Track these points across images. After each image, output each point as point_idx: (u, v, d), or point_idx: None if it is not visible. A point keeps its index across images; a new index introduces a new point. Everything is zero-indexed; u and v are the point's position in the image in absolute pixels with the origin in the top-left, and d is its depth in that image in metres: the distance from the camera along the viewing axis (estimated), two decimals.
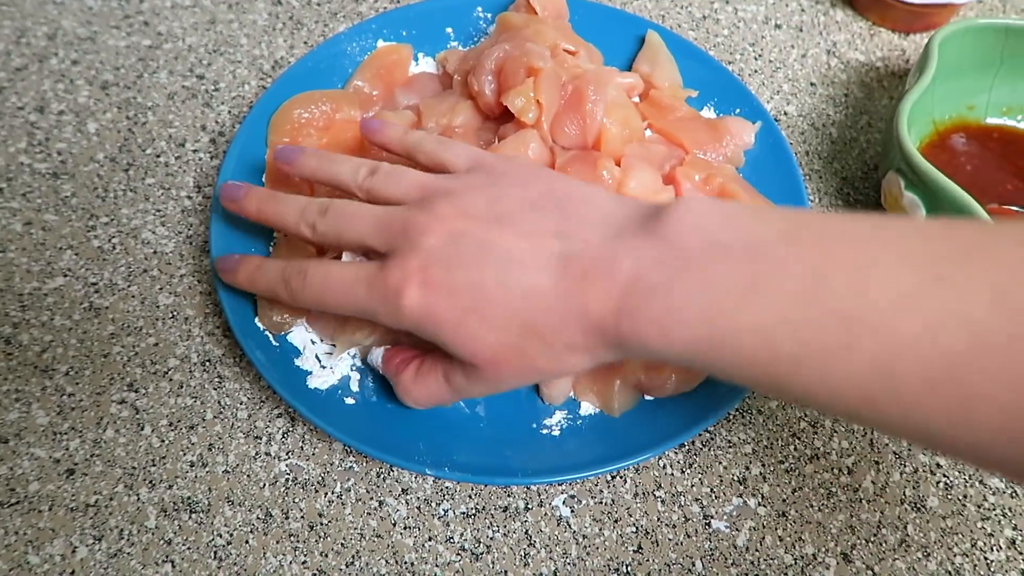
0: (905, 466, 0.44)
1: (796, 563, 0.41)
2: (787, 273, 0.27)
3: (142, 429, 0.43)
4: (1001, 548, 0.42)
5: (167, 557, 0.40)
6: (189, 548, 0.40)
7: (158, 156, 0.53)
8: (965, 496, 0.43)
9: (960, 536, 0.42)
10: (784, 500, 0.43)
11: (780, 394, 0.29)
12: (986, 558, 0.41)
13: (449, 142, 0.41)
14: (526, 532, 0.42)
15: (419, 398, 0.39)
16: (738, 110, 0.53)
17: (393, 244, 0.35)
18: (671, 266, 0.29)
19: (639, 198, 0.38)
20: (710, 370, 0.30)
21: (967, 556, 0.42)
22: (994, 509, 0.43)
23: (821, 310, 0.26)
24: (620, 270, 0.31)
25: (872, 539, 0.42)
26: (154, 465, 0.42)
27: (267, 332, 0.43)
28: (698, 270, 0.29)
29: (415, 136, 0.42)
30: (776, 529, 0.42)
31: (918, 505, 0.43)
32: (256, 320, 0.43)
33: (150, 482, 0.42)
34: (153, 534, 0.41)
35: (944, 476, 0.44)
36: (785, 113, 0.58)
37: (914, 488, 0.43)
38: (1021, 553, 0.42)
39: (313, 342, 0.44)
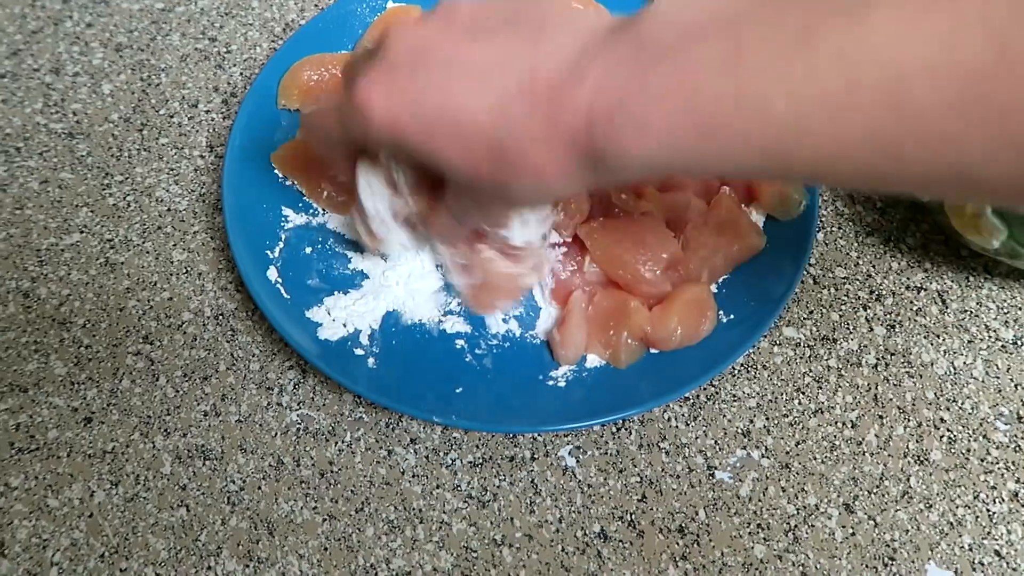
0: (909, 420, 0.44)
1: (799, 513, 0.42)
2: (774, 32, 0.24)
3: (157, 380, 0.44)
4: (1004, 500, 0.42)
5: (182, 501, 0.41)
6: (203, 493, 0.41)
7: (171, 116, 0.54)
8: (968, 450, 0.43)
9: (963, 488, 0.42)
10: (788, 452, 0.43)
11: (786, 170, 0.26)
12: (988, 510, 0.42)
13: None
14: (532, 481, 0.42)
15: (436, 228, 0.39)
16: None
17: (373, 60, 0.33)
18: (644, 60, 0.26)
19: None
20: (701, 169, 0.27)
21: (969, 508, 0.42)
22: (997, 463, 0.43)
23: (816, 59, 0.23)
24: (590, 75, 0.28)
25: (875, 491, 0.42)
26: (169, 414, 0.43)
27: (278, 285, 0.44)
28: (674, 57, 0.26)
29: None
30: (779, 480, 0.43)
31: (921, 458, 0.43)
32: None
33: (165, 430, 0.43)
34: (168, 480, 0.42)
35: (948, 430, 0.44)
36: None
37: (918, 442, 0.44)
38: (1023, 506, 0.42)
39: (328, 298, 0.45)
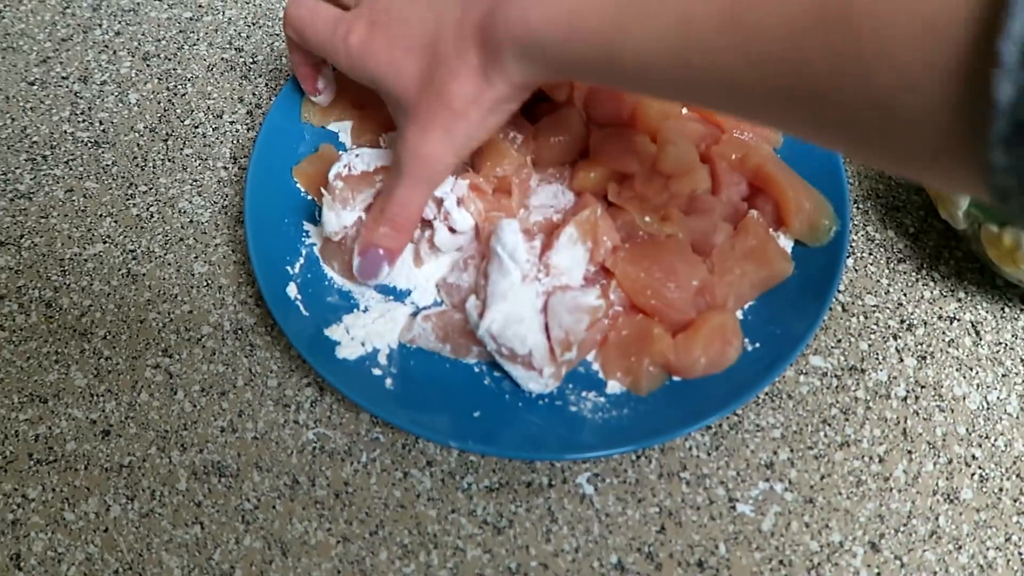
0: (939, 456, 0.43)
1: (822, 550, 0.41)
2: None
3: (175, 394, 0.44)
4: None
5: (196, 519, 0.41)
6: (218, 511, 0.41)
7: (196, 127, 0.54)
8: (1001, 489, 0.42)
9: (994, 529, 0.41)
10: (812, 486, 0.42)
11: (612, 70, 0.31)
12: (1020, 553, 0.40)
13: None
14: (549, 508, 0.42)
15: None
16: None
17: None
18: None
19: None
20: (567, 60, 0.33)
21: (1000, 550, 0.41)
22: None
23: None
24: None
25: (902, 529, 0.41)
26: (186, 429, 0.43)
27: (297, 301, 0.43)
28: None
29: None
30: (803, 515, 0.41)
31: (951, 496, 0.42)
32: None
33: (182, 445, 0.43)
34: (184, 496, 0.42)
35: (980, 468, 0.43)
36: None
37: (948, 479, 0.42)
38: None
39: (349, 312, 0.44)
